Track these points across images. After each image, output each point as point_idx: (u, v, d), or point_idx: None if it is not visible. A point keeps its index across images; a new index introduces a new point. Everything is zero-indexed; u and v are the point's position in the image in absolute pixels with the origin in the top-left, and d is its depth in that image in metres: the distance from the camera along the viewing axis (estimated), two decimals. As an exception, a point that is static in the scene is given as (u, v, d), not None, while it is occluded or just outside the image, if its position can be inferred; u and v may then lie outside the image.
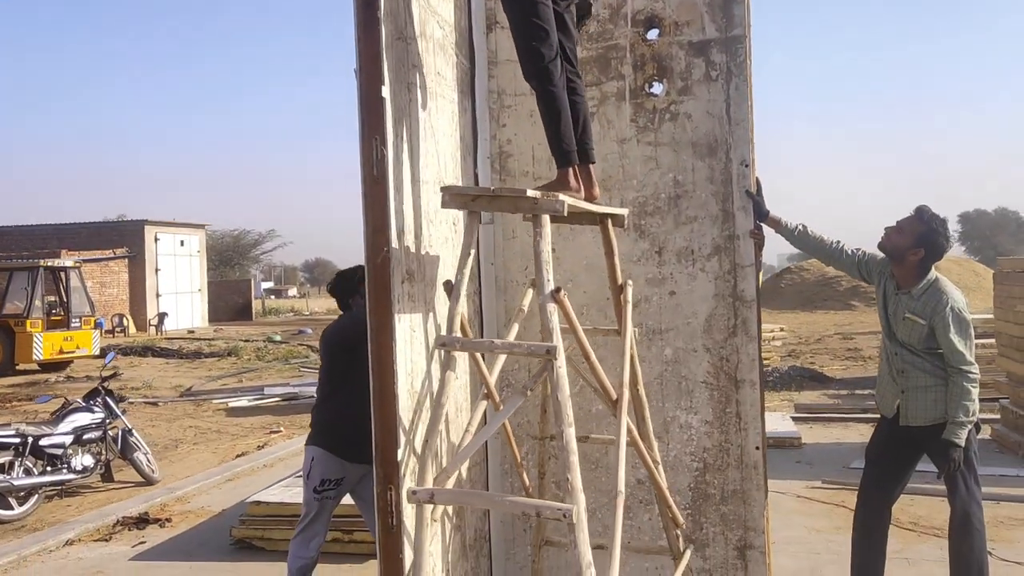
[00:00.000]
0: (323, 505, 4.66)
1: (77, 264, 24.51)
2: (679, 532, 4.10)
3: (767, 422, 10.46)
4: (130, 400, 16.54)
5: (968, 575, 4.15)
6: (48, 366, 22.21)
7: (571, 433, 2.97)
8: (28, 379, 20.95)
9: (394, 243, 3.52)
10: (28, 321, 21.82)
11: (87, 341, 22.99)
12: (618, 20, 4.63)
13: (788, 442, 9.07)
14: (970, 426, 4.08)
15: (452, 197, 3.28)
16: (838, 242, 4.50)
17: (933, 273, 4.23)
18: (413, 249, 3.78)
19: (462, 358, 3.90)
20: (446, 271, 4.17)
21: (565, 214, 3.14)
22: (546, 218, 3.17)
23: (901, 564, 5.50)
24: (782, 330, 19.34)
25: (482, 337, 4.68)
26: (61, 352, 21.93)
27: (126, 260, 34.64)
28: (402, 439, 3.52)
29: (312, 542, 4.64)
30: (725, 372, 4.51)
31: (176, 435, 12.81)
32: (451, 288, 3.31)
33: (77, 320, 22.88)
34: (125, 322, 33.38)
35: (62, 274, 23.08)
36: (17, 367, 22.12)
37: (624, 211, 3.98)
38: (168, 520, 7.04)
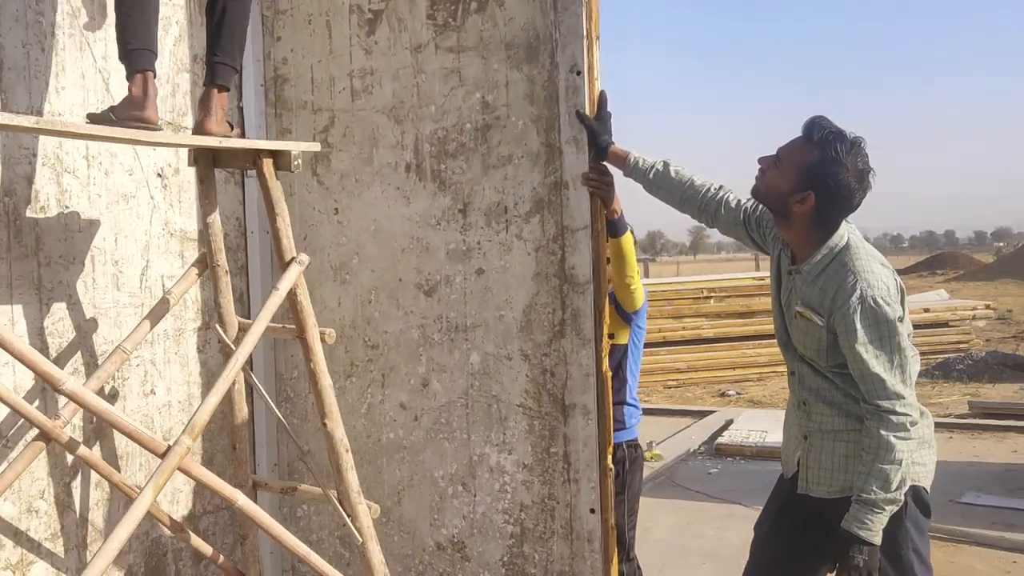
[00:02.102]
0: None
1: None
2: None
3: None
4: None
5: None
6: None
7: None
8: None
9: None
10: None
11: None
12: None
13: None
14: (892, 508, 2.31)
15: None
16: (718, 189, 2.78)
17: (841, 235, 2.45)
18: (4, 211, 2.63)
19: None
20: (126, 243, 2.96)
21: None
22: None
23: None
24: (988, 307, 16.00)
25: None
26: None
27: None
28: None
29: None
30: (549, 392, 2.96)
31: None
32: None
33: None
34: None
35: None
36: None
37: (292, 146, 2.57)
38: None
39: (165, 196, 3.12)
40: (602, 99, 2.89)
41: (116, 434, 2.91)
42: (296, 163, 2.54)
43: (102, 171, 2.92)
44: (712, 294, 13.66)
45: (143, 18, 2.33)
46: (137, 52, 2.32)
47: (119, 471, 2.93)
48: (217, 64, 2.50)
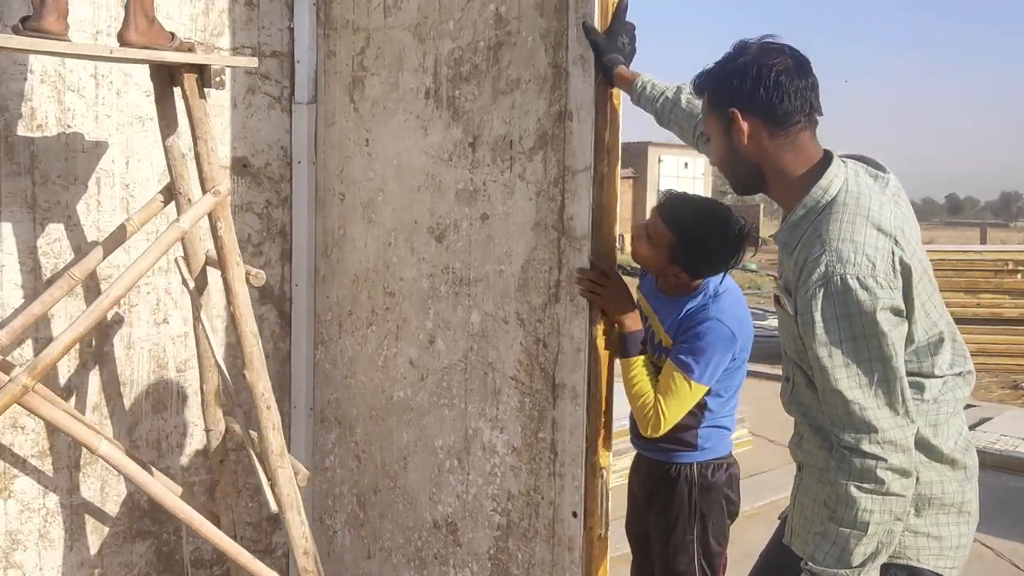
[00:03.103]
0: None
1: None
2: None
3: None
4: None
5: None
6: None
7: None
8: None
9: None
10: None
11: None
12: None
13: None
14: None
15: None
16: None
17: (827, 186, 1.68)
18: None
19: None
20: (140, 167, 2.91)
21: None
22: None
23: None
24: None
25: (289, 272, 3.26)
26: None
27: (631, 180, 35.65)
28: None
29: None
30: (540, 365, 2.47)
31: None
32: None
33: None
34: (622, 241, 34.66)
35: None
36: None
37: (215, 60, 2.28)
38: None
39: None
40: (619, 8, 2.28)
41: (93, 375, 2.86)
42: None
43: (112, 91, 2.84)
44: (1019, 267, 11.63)
45: None
46: None
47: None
48: None
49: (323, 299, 3.23)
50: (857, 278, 1.56)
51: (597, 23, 2.27)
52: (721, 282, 2.44)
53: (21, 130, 2.68)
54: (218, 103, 3.04)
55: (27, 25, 2.14)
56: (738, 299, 2.41)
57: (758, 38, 1.74)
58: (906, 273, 1.61)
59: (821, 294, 1.58)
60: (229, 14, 3.05)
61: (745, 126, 1.71)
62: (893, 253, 1.60)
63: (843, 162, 1.75)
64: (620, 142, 2.35)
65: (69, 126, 2.76)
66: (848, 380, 1.57)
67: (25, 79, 2.68)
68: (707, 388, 2.34)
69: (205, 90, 2.46)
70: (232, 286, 2.25)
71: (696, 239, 2.32)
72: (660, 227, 2.33)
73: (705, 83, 1.80)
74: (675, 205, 2.34)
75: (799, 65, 1.70)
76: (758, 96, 1.71)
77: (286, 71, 3.20)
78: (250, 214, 3.16)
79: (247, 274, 2.28)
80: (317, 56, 3.19)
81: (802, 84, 1.70)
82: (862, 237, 1.60)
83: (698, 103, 2.16)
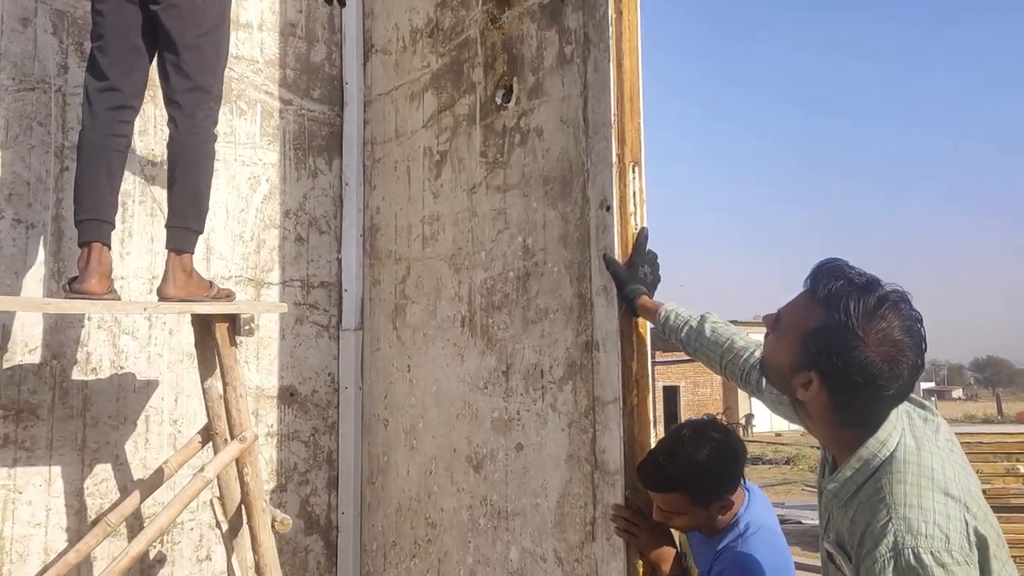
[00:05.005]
0: None
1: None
2: None
3: None
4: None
5: None
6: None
7: None
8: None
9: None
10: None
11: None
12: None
13: None
14: None
15: None
16: None
17: (884, 440, 1.54)
18: (51, 373, 2.76)
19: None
20: (188, 403, 2.98)
21: None
22: None
23: None
24: None
25: (336, 501, 3.23)
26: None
27: (720, 360, 35.24)
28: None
29: None
30: (580, 610, 2.32)
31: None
32: None
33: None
34: (749, 421, 34.04)
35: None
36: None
37: (246, 309, 2.34)
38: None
39: (240, 352, 3.06)
40: (639, 239, 2.29)
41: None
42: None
43: (166, 331, 2.95)
44: None
45: (93, 186, 2.30)
46: (83, 224, 2.29)
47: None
48: (168, 228, 2.40)
49: (369, 528, 3.16)
50: (931, 552, 1.39)
51: (618, 254, 2.27)
52: (754, 512, 2.20)
53: (76, 374, 2.79)
54: (267, 335, 3.13)
55: (72, 287, 2.26)
56: (772, 540, 2.18)
57: (893, 317, 1.49)
58: (982, 544, 1.44)
59: (891, 569, 1.41)
60: (279, 251, 3.19)
61: (815, 390, 1.54)
62: (966, 523, 1.44)
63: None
64: (649, 372, 2.30)
65: (122, 367, 2.86)
66: None
67: (83, 326, 2.82)
68: None
69: (256, 323, 2.55)
70: (257, 534, 2.22)
71: (702, 472, 2.11)
72: (672, 500, 2.14)
73: (814, 306, 1.54)
74: (671, 462, 2.14)
75: (910, 364, 1.49)
76: (850, 391, 1.51)
77: (334, 300, 3.29)
78: (296, 442, 3.17)
79: (273, 520, 2.25)
80: (363, 285, 3.28)
81: (899, 390, 1.51)
82: (930, 503, 1.44)
83: (723, 331, 2.10)
